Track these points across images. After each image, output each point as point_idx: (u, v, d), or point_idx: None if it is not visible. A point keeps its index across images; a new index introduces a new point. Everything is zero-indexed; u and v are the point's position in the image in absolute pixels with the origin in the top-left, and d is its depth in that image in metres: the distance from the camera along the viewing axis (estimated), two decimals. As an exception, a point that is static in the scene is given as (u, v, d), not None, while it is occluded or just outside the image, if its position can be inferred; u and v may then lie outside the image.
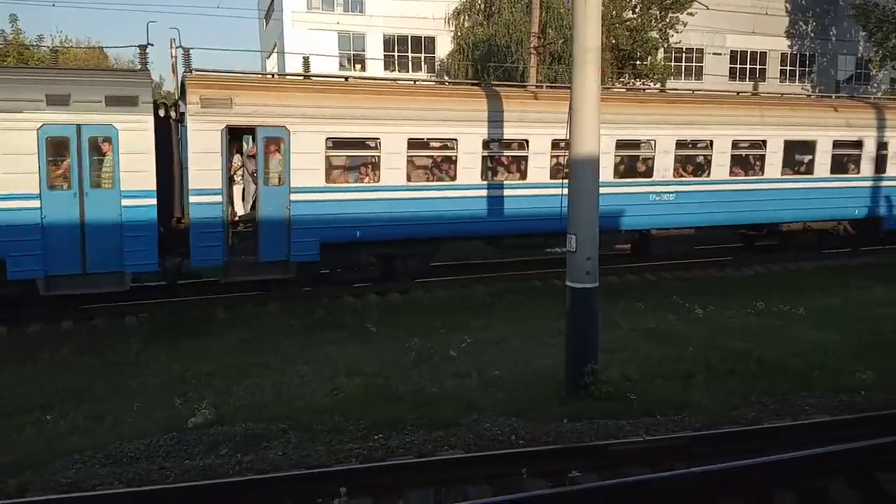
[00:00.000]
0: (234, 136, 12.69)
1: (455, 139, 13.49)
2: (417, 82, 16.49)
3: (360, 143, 13.08)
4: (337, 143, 12.72)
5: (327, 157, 12.60)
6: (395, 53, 36.99)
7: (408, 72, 35.94)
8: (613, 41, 31.57)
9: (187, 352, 10.14)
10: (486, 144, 13.75)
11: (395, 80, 15.83)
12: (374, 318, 11.73)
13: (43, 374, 9.25)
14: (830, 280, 15.13)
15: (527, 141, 14.06)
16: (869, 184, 17.57)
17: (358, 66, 36.08)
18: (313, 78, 15.08)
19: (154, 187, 11.49)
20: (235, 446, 7.01)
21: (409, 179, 13.20)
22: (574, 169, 8.56)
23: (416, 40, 36.98)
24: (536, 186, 14.14)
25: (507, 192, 13.99)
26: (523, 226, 14.07)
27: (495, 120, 13.59)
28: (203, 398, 8.22)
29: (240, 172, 13.19)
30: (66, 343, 10.70)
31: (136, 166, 11.35)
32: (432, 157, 13.90)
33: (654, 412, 7.84)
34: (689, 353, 9.85)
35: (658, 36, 32.50)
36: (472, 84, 16.53)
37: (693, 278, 15.51)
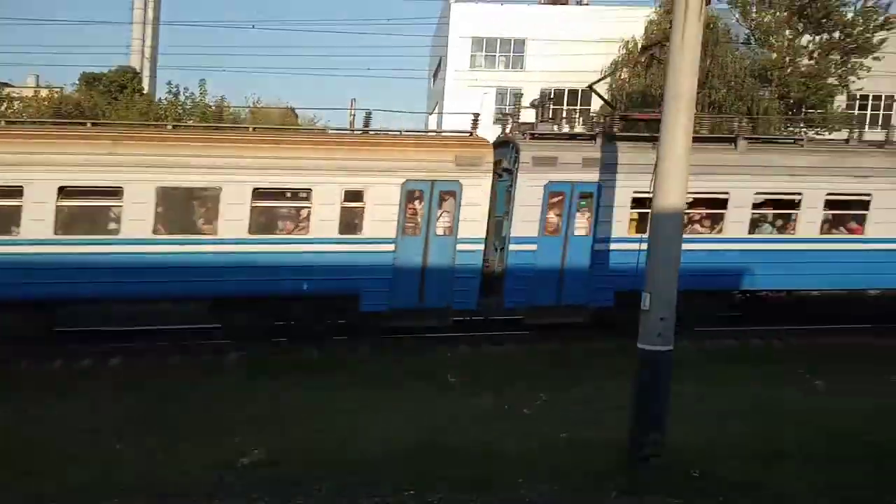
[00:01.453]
0: None
1: None
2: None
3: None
4: None
5: None
6: (551, 107, 37.20)
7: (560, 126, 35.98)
8: (785, 89, 29.55)
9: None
10: None
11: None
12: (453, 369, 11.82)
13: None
14: None
15: None
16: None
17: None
18: None
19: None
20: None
21: None
22: (655, 223, 8.15)
23: (573, 93, 36.97)
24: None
25: None
26: None
27: None
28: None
29: None
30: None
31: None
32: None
33: (716, 493, 7.17)
34: (788, 431, 8.88)
35: (837, 82, 29.79)
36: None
37: (829, 346, 13.86)
